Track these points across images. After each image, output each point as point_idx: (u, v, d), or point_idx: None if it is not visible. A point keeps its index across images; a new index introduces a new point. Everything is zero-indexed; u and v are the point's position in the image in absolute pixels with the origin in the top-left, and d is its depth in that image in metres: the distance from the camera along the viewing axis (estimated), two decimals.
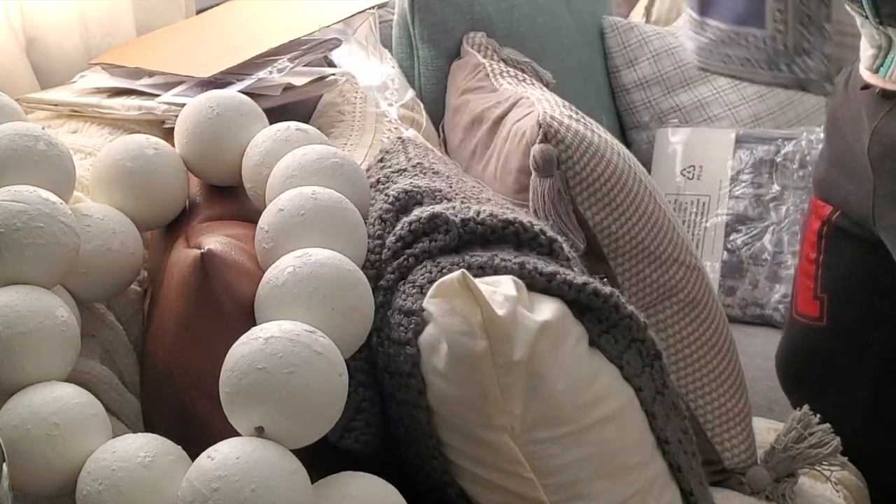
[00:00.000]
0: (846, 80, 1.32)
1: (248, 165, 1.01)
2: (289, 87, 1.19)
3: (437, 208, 0.95)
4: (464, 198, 1.00)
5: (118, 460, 0.77)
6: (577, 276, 0.91)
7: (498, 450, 0.86)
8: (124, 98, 1.21)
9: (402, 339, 0.87)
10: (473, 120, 1.38)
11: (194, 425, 0.88)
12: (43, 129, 0.94)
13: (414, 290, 0.87)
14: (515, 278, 0.88)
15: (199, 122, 1.02)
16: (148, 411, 0.96)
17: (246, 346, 0.78)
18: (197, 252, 0.89)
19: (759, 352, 1.64)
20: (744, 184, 1.75)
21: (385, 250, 0.94)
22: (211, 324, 0.89)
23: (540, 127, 1.14)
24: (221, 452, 0.75)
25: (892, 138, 1.20)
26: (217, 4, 1.58)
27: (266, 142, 1.00)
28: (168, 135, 1.11)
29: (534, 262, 0.91)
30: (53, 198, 0.88)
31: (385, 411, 0.91)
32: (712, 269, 1.72)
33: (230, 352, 0.79)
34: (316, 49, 1.22)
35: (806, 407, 1.19)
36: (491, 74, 1.50)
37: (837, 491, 1.22)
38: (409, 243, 0.93)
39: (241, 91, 1.09)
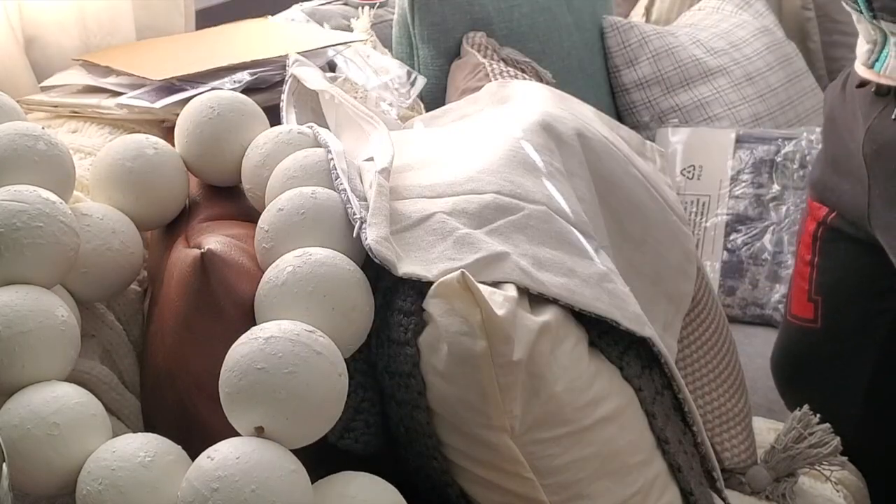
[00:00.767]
0: (843, 81, 1.32)
1: (248, 166, 1.01)
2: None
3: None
4: None
5: (118, 460, 0.77)
6: None
7: (498, 450, 0.86)
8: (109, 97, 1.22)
9: (401, 339, 0.87)
10: None
11: (194, 425, 0.88)
12: (43, 129, 0.94)
13: (413, 291, 0.87)
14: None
15: (200, 122, 1.03)
16: (148, 411, 0.96)
17: (246, 346, 0.78)
18: (197, 252, 0.89)
19: (759, 352, 1.64)
20: (744, 184, 1.75)
21: None
22: (211, 324, 0.89)
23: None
24: (221, 452, 0.75)
25: (885, 137, 1.20)
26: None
27: (267, 143, 1.00)
28: (168, 134, 1.11)
29: None
30: (53, 197, 0.88)
31: (385, 411, 0.91)
32: (712, 269, 1.72)
33: (230, 352, 0.79)
34: (271, 70, 1.23)
35: (806, 407, 1.19)
36: (491, 74, 1.50)
37: (837, 491, 1.22)
38: None
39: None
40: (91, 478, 0.77)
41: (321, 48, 1.33)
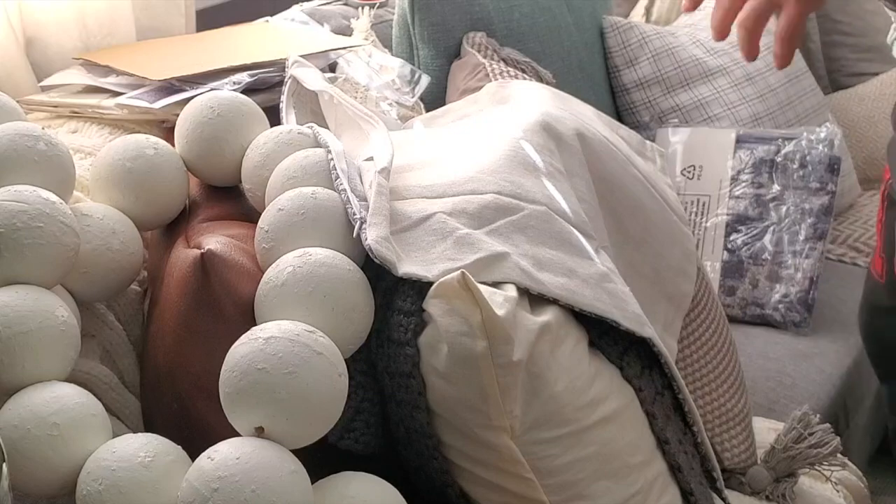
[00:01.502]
0: None
1: (248, 167, 1.01)
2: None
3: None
4: None
5: (118, 460, 0.77)
6: None
7: (498, 450, 0.86)
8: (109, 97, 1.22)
9: (401, 339, 0.87)
10: None
11: (194, 425, 0.88)
12: (43, 129, 0.94)
13: (413, 291, 0.87)
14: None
15: (200, 122, 1.02)
16: (148, 411, 0.96)
17: (246, 347, 0.78)
18: (197, 252, 0.89)
19: (759, 352, 1.64)
20: (744, 184, 1.75)
21: None
22: (211, 324, 0.88)
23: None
24: (221, 453, 0.75)
25: None
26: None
27: (268, 143, 1.00)
28: (168, 134, 1.11)
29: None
30: (53, 198, 0.88)
31: (385, 412, 0.91)
32: (712, 269, 1.72)
33: (230, 352, 0.79)
34: (270, 72, 1.23)
35: (806, 407, 1.19)
36: (491, 74, 1.50)
37: (837, 491, 1.22)
38: None
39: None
40: (91, 478, 0.77)
41: (321, 52, 1.34)
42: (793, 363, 1.63)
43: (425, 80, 1.44)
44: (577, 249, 0.96)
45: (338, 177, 0.94)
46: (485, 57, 1.56)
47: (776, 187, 1.73)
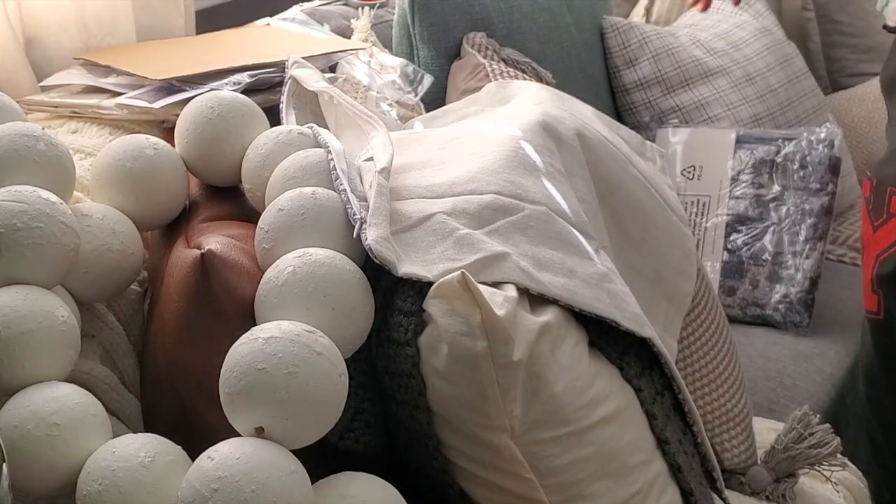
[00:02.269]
0: None
1: (248, 167, 1.01)
2: None
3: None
4: None
5: (118, 460, 0.77)
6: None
7: (498, 450, 0.86)
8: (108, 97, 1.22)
9: (401, 339, 0.87)
10: None
11: (194, 425, 0.88)
12: (43, 129, 0.94)
13: (413, 291, 0.87)
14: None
15: (200, 122, 1.03)
16: (148, 411, 0.96)
17: (246, 347, 0.78)
18: (197, 252, 0.89)
19: (759, 352, 1.64)
20: (744, 184, 1.75)
21: None
22: (211, 324, 0.88)
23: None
24: (221, 453, 0.75)
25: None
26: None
27: (268, 144, 1.00)
28: (168, 135, 1.11)
29: None
30: (53, 198, 0.88)
31: (385, 412, 0.91)
32: (712, 269, 1.72)
33: (230, 352, 0.79)
34: (270, 72, 1.24)
35: (806, 407, 1.19)
36: (491, 75, 1.50)
37: (838, 491, 1.22)
38: None
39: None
40: (91, 478, 0.77)
41: (321, 55, 1.34)
42: (793, 363, 1.63)
43: (428, 80, 1.44)
44: (577, 249, 0.96)
45: (338, 177, 0.94)
46: (485, 57, 1.56)
47: (776, 188, 1.73)
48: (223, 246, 0.91)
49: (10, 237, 0.84)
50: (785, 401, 1.56)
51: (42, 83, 1.29)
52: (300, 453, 0.78)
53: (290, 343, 0.77)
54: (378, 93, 1.34)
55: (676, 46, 1.93)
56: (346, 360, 0.82)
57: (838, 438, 1.16)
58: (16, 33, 1.29)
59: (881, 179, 1.40)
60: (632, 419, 0.94)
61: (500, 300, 0.84)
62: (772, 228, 1.72)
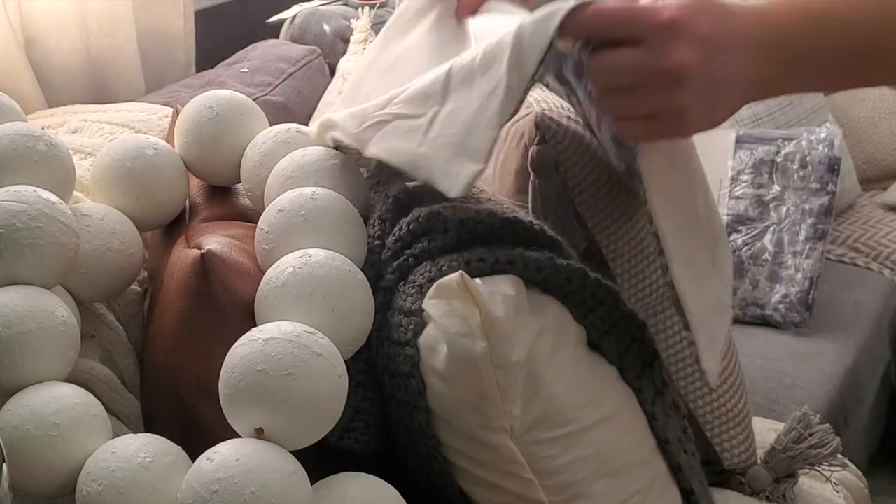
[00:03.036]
0: None
1: (247, 166, 1.01)
2: None
3: (436, 207, 0.94)
4: (463, 198, 1.00)
5: (118, 461, 0.77)
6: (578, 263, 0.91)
7: (497, 451, 0.86)
8: None
9: (401, 339, 0.87)
10: None
11: (194, 425, 0.88)
12: (43, 129, 0.94)
13: (413, 291, 0.87)
14: (515, 277, 0.88)
15: (199, 122, 1.02)
16: (148, 411, 0.96)
17: (245, 348, 0.78)
18: (197, 252, 0.89)
19: (759, 352, 1.64)
20: (744, 184, 1.75)
21: (385, 251, 0.93)
22: (211, 324, 0.88)
23: (538, 128, 1.14)
24: (221, 454, 0.74)
25: None
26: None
27: (266, 143, 1.00)
28: (168, 134, 1.11)
29: (534, 254, 0.90)
30: (53, 198, 0.88)
31: (385, 412, 0.91)
32: None
33: (230, 353, 0.79)
34: None
35: (806, 407, 1.19)
36: None
37: (837, 491, 1.22)
38: (409, 243, 0.93)
39: None
40: (91, 478, 0.77)
41: None
42: (793, 363, 1.64)
43: None
44: None
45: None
46: None
47: (776, 188, 1.74)
48: (223, 246, 0.91)
49: (10, 237, 0.84)
50: (785, 401, 1.56)
51: None
52: (300, 453, 0.78)
53: (290, 344, 0.77)
54: None
55: None
56: (346, 361, 0.82)
57: (838, 438, 1.16)
58: (16, 33, 1.29)
59: None
60: (632, 419, 0.94)
61: (500, 300, 0.84)
62: (772, 228, 1.72)
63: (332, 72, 1.46)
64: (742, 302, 1.71)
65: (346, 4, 1.72)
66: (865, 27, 0.84)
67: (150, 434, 0.82)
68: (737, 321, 1.69)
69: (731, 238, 1.73)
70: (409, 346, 0.86)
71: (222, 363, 0.79)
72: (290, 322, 0.81)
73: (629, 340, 0.95)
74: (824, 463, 1.17)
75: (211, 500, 0.72)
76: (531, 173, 1.14)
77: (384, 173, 1.02)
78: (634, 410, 0.94)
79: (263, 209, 0.94)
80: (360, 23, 1.54)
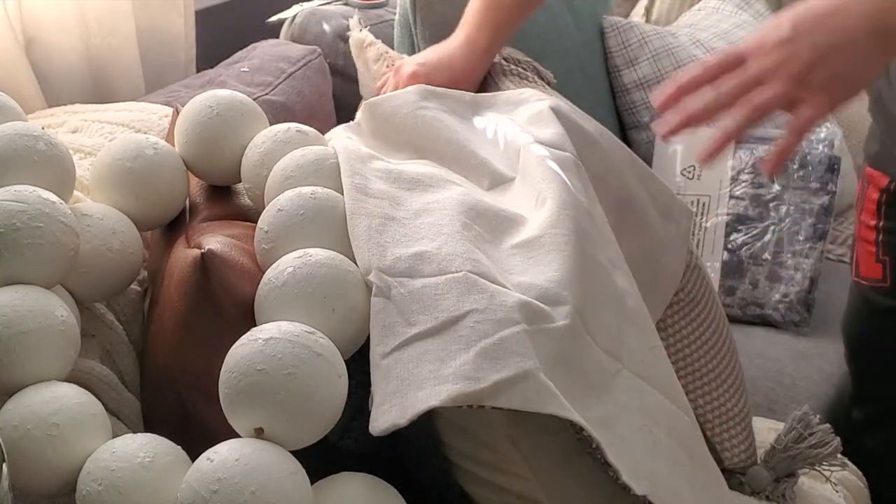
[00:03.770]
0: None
1: (247, 166, 1.01)
2: None
3: None
4: None
5: (117, 461, 0.77)
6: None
7: (498, 451, 0.86)
8: None
9: None
10: None
11: (194, 425, 0.88)
12: (43, 129, 0.94)
13: None
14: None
15: (199, 122, 1.02)
16: (148, 411, 0.96)
17: (245, 348, 0.78)
18: (197, 252, 0.89)
19: (759, 352, 1.64)
20: (744, 184, 1.75)
21: None
22: (211, 323, 0.88)
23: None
24: (221, 454, 0.75)
25: None
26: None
27: (266, 143, 1.00)
28: (168, 134, 1.11)
29: None
30: (53, 198, 0.88)
31: None
32: (712, 269, 1.72)
33: (230, 353, 0.79)
34: None
35: (806, 407, 1.19)
36: (493, 73, 1.50)
37: (837, 491, 1.22)
38: None
39: None
40: (90, 478, 0.77)
41: None
42: (792, 363, 1.63)
43: None
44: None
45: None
46: None
47: (776, 187, 1.73)
48: (223, 245, 0.91)
49: (10, 237, 0.84)
50: (785, 400, 1.56)
51: None
52: (300, 452, 0.78)
53: (290, 344, 0.77)
54: None
55: (676, 46, 1.92)
56: (347, 360, 0.82)
57: (838, 439, 1.16)
58: (16, 33, 1.29)
59: None
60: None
61: None
62: (771, 228, 1.72)
63: (333, 72, 1.46)
64: (742, 302, 1.71)
65: (346, 4, 1.72)
66: None
67: (149, 434, 0.82)
68: (737, 321, 1.69)
69: (731, 238, 1.73)
70: None
71: (222, 362, 0.79)
72: (290, 322, 0.81)
73: None
74: (824, 463, 1.17)
75: (211, 500, 0.72)
76: None
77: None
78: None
79: (264, 209, 0.94)
80: (355, 33, 1.52)
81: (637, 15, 2.21)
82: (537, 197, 0.99)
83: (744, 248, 1.72)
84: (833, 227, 1.85)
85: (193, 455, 0.78)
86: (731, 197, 1.75)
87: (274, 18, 1.65)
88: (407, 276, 0.86)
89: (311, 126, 1.05)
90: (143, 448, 0.78)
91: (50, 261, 0.86)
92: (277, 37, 1.66)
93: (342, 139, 1.02)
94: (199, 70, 1.51)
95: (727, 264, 1.72)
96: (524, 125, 1.09)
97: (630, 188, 1.12)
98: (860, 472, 1.31)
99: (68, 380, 0.84)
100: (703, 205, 1.76)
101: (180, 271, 0.90)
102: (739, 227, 1.73)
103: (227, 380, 0.78)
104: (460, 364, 0.80)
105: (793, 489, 1.17)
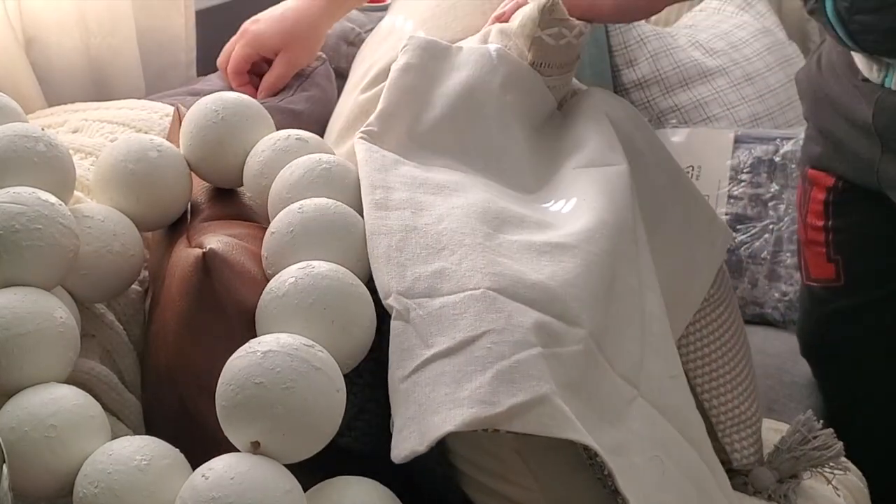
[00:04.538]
0: (817, 61, 1.38)
1: (248, 175, 1.00)
2: None
3: None
4: None
5: (114, 463, 0.77)
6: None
7: (502, 459, 0.86)
8: None
9: None
10: None
11: (195, 425, 0.88)
12: (43, 129, 0.94)
13: None
14: None
15: (204, 125, 1.02)
16: (148, 411, 0.96)
17: (243, 360, 0.77)
18: (199, 252, 0.89)
19: (758, 351, 1.64)
20: (743, 183, 1.75)
21: None
22: (212, 324, 0.88)
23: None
24: (216, 472, 0.74)
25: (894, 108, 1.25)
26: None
27: (265, 151, 1.00)
28: (169, 134, 1.11)
29: None
30: (53, 199, 0.87)
31: (389, 414, 0.91)
32: None
33: (227, 365, 0.78)
34: None
35: (809, 412, 1.20)
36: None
37: (839, 494, 1.22)
38: None
39: None
40: (87, 481, 0.77)
41: None
42: (792, 361, 1.64)
43: None
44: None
45: None
46: None
47: (775, 187, 1.73)
48: (225, 245, 0.91)
49: (9, 239, 0.83)
50: (784, 399, 1.56)
51: None
52: None
53: (289, 357, 0.77)
54: None
55: (675, 47, 1.93)
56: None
57: (841, 443, 1.17)
58: (16, 33, 1.29)
59: None
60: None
61: None
62: (771, 227, 1.72)
63: (337, 75, 1.45)
64: (741, 301, 1.71)
65: None
66: None
67: (147, 436, 0.82)
68: None
69: None
70: None
71: (223, 362, 0.78)
72: (288, 334, 0.80)
73: None
74: (827, 465, 1.17)
75: None
76: None
77: None
78: None
79: (267, 218, 0.94)
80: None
81: None
82: (577, 198, 0.99)
83: (742, 248, 1.73)
84: None
85: (194, 455, 0.78)
86: (730, 196, 1.75)
87: None
88: (426, 296, 0.86)
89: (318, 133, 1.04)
90: (140, 451, 0.78)
91: (49, 262, 0.86)
92: None
93: (364, 148, 1.00)
94: (199, 70, 1.51)
95: (727, 264, 1.73)
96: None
97: (664, 208, 1.12)
98: (861, 474, 1.32)
99: (69, 380, 0.84)
100: None
101: (181, 271, 0.90)
102: (738, 227, 1.74)
103: (225, 392, 0.77)
104: (476, 387, 0.79)
105: (795, 490, 1.18)
